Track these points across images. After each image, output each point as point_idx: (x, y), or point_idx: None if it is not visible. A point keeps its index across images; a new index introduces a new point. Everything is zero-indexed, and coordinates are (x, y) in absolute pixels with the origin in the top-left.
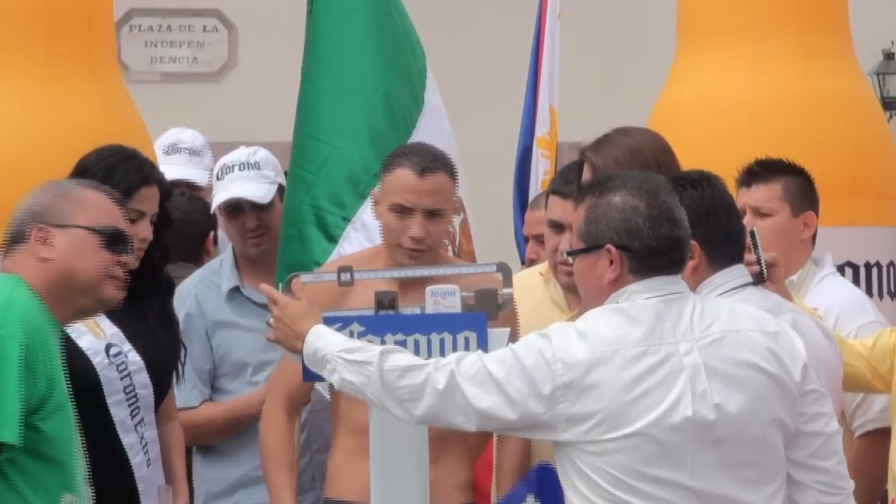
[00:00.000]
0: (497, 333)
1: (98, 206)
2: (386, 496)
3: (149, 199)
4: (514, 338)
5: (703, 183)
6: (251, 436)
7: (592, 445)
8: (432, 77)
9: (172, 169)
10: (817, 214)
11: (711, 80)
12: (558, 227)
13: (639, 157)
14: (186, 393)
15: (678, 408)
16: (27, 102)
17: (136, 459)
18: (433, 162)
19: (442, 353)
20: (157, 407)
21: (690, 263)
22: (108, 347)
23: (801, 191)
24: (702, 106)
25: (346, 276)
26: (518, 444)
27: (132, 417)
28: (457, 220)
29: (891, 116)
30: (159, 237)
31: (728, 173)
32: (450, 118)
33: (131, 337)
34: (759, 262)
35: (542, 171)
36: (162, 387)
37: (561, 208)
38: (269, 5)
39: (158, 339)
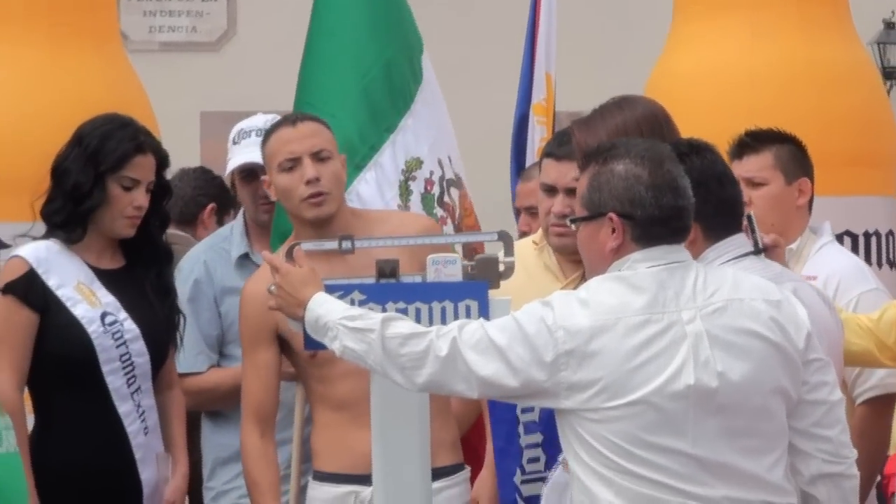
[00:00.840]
0: (498, 302)
1: None
2: (388, 463)
3: (144, 168)
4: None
5: (691, 155)
6: None
7: (594, 413)
8: (425, 50)
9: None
10: (812, 181)
11: (709, 48)
12: (552, 190)
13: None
14: (193, 358)
15: (680, 376)
16: (30, 73)
17: (132, 428)
18: (302, 115)
19: (443, 322)
20: (154, 375)
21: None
22: (103, 316)
23: (794, 158)
24: (699, 75)
25: (346, 244)
26: None
27: (128, 386)
28: (455, 194)
29: (891, 86)
30: (156, 206)
31: (726, 142)
32: (448, 91)
33: (128, 306)
34: (755, 244)
35: (538, 139)
36: (159, 355)
37: (555, 171)
38: None
39: (155, 308)
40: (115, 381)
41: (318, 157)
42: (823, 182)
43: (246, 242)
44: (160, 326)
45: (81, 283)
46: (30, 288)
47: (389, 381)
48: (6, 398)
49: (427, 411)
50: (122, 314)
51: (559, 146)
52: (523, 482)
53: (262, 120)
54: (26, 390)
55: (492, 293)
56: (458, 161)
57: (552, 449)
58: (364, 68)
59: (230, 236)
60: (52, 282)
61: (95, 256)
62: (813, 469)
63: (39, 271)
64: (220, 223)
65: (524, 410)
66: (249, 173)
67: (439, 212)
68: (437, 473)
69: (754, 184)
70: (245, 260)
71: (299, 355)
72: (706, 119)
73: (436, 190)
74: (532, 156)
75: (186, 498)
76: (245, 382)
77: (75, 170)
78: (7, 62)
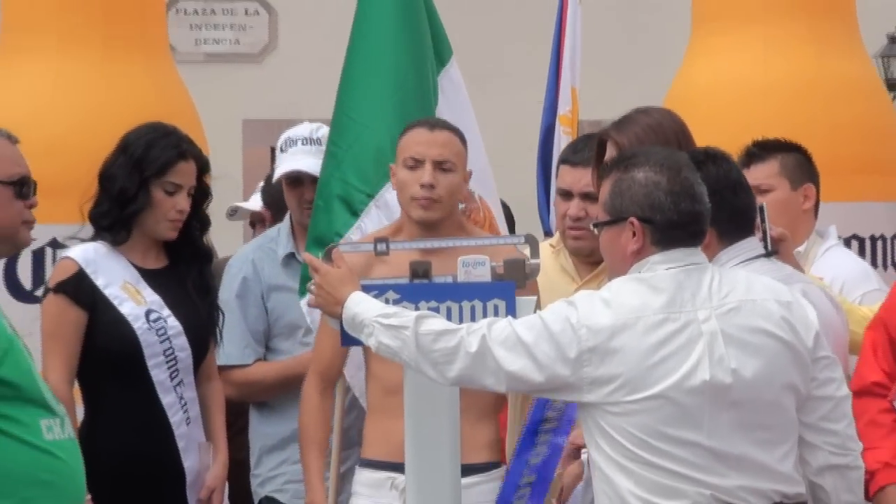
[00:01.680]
0: (525, 301)
1: (3, 155)
2: (419, 452)
3: (185, 173)
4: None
5: (707, 163)
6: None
7: (615, 406)
8: (454, 60)
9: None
10: (817, 187)
11: (725, 62)
12: (567, 194)
13: (659, 133)
14: (240, 352)
15: (696, 372)
16: (85, 83)
17: (175, 418)
18: (442, 123)
19: (472, 320)
20: (196, 369)
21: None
22: (147, 313)
23: (798, 165)
24: (716, 87)
25: (381, 247)
26: None
27: (171, 378)
28: (463, 206)
29: (894, 97)
30: (197, 209)
31: (741, 150)
32: (479, 97)
33: (171, 303)
34: (764, 237)
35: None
36: (200, 350)
37: (570, 176)
38: None
39: (197, 306)
40: (158, 374)
41: (441, 166)
42: (832, 188)
43: (292, 243)
44: (201, 323)
45: (127, 282)
46: (79, 287)
47: (422, 375)
48: (57, 390)
49: (457, 405)
50: (166, 311)
51: (574, 153)
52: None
53: (308, 129)
54: (76, 383)
55: (518, 293)
56: (479, 172)
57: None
58: (398, 82)
59: (277, 237)
60: (99, 281)
61: (140, 257)
62: (821, 460)
63: (88, 271)
64: None
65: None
66: (295, 179)
67: None
68: (474, 469)
69: (761, 190)
70: (291, 259)
71: None
72: (723, 127)
73: None
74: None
75: (226, 484)
76: (318, 342)
77: (121, 175)
78: (64, 73)
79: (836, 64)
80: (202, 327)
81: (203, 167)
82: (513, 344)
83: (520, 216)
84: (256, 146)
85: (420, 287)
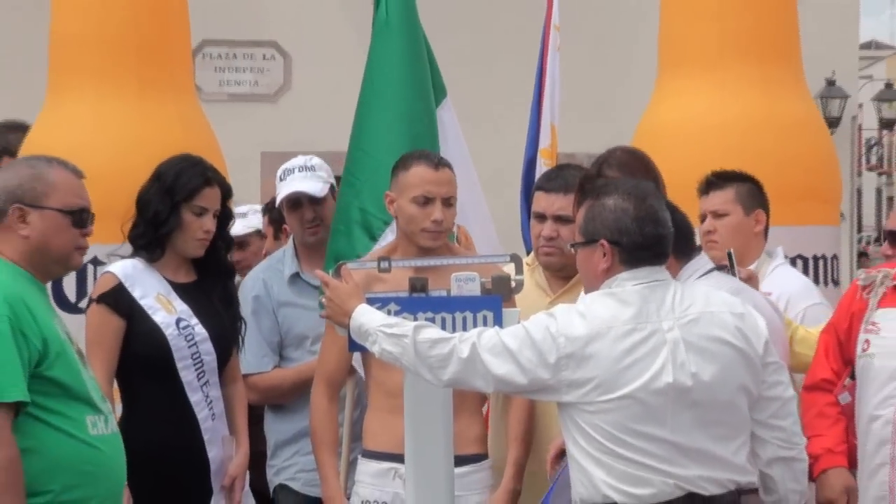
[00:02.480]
0: (510, 312)
1: (67, 187)
2: (417, 446)
3: (211, 198)
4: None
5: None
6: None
7: (590, 406)
8: (449, 101)
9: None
10: (767, 212)
11: (687, 102)
12: (541, 217)
13: (638, 162)
14: (259, 360)
15: (661, 375)
16: (121, 118)
17: (202, 414)
18: (442, 160)
19: (464, 329)
20: (221, 371)
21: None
22: (178, 321)
23: (751, 193)
24: (679, 124)
25: (384, 264)
26: (524, 408)
27: (198, 379)
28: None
29: (832, 133)
30: (221, 230)
31: (701, 181)
32: (470, 135)
33: (198, 312)
34: (734, 276)
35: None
36: (224, 354)
37: (544, 201)
38: (319, 39)
39: (221, 315)
40: (187, 375)
41: (448, 202)
42: (779, 214)
43: (296, 263)
44: (225, 330)
45: (160, 294)
46: (118, 298)
47: (420, 378)
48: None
49: (450, 403)
50: (194, 320)
51: (548, 181)
52: None
53: (302, 159)
54: (115, 383)
55: (504, 305)
56: (466, 201)
57: None
58: (410, 117)
59: (283, 258)
60: (136, 293)
61: (172, 272)
62: (770, 453)
63: (126, 284)
64: None
65: None
66: (295, 202)
67: None
68: (465, 460)
69: (718, 215)
70: (296, 278)
71: None
72: (685, 159)
73: None
74: None
75: (248, 473)
76: (323, 352)
77: (155, 201)
78: (103, 111)
79: (784, 104)
80: (226, 334)
81: (226, 193)
82: (499, 351)
83: (506, 238)
84: (273, 176)
85: (418, 300)
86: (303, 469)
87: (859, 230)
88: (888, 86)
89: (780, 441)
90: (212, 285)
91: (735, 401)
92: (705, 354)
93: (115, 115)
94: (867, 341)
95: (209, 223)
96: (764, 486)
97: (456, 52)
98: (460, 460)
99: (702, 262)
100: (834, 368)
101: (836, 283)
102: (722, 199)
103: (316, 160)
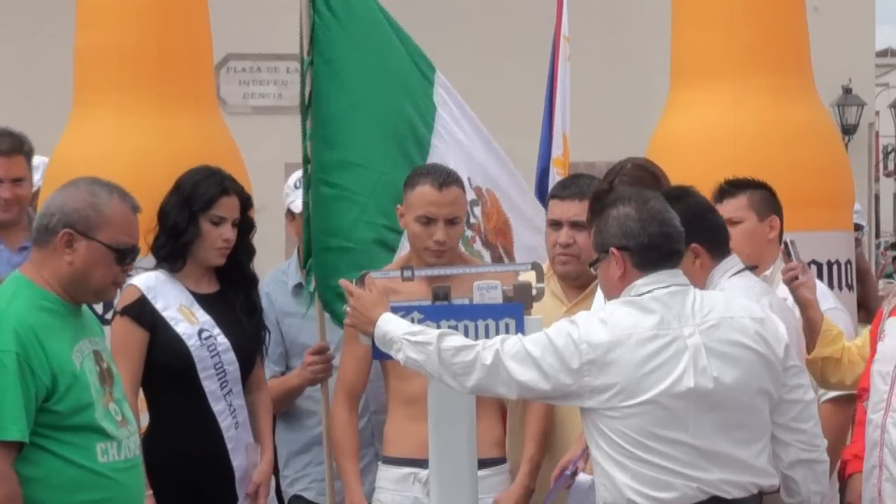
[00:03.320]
0: (531, 320)
1: (120, 223)
2: (441, 450)
3: (229, 207)
4: None
5: (684, 196)
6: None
7: (612, 411)
8: (438, 74)
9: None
10: (781, 218)
11: (699, 112)
12: (557, 224)
13: (647, 173)
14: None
15: (682, 380)
16: (145, 131)
17: (225, 423)
18: (448, 177)
19: (486, 337)
20: (244, 380)
21: (698, 262)
22: (200, 332)
23: (764, 200)
24: (692, 133)
25: (408, 273)
26: (542, 408)
27: (221, 388)
28: (478, 211)
29: (848, 140)
30: (243, 239)
31: (714, 187)
32: None
33: (220, 323)
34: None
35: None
36: (247, 363)
37: (559, 208)
38: None
39: (244, 325)
40: (210, 385)
41: (452, 222)
42: (793, 219)
43: (300, 273)
44: (247, 340)
45: (183, 305)
46: (141, 310)
47: (444, 384)
48: None
49: (474, 409)
50: (216, 330)
51: (562, 189)
52: None
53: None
54: (141, 393)
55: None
56: (481, 173)
57: None
58: (393, 128)
59: (287, 269)
60: (159, 305)
61: (195, 283)
62: (791, 456)
63: (149, 296)
64: None
65: None
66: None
67: (469, 232)
68: (485, 463)
69: (732, 222)
70: (299, 288)
71: None
72: (698, 167)
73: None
74: None
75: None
76: (343, 365)
77: (174, 212)
78: (126, 124)
79: (794, 111)
80: (248, 344)
81: (245, 202)
82: (522, 357)
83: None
84: None
85: (441, 308)
86: (316, 479)
87: (877, 235)
88: None
89: (802, 444)
90: (234, 295)
91: (756, 404)
92: (726, 359)
93: (138, 129)
94: (876, 349)
95: (228, 232)
96: (786, 489)
97: (463, 59)
98: (480, 463)
99: (733, 262)
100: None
101: (850, 287)
102: (736, 206)
103: None
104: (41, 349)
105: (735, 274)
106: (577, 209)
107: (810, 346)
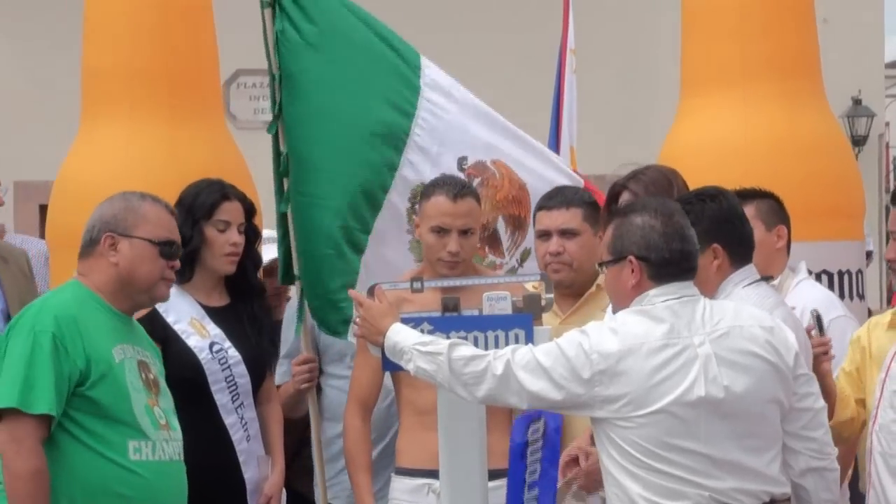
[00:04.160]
0: (541, 331)
1: (157, 220)
2: (452, 461)
3: (232, 211)
4: None
5: (719, 196)
6: None
7: (624, 421)
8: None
9: None
10: (788, 228)
11: (709, 121)
12: (545, 234)
13: (666, 184)
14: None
15: (693, 389)
16: (153, 146)
17: (236, 435)
18: (462, 189)
19: (496, 348)
20: (255, 392)
21: (715, 263)
22: (211, 345)
23: (772, 209)
24: (702, 142)
25: (417, 284)
26: None
27: (233, 401)
28: (477, 182)
29: (859, 151)
30: (249, 248)
31: None
32: None
33: (231, 336)
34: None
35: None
36: (258, 376)
37: (547, 219)
38: None
39: (252, 338)
40: (221, 398)
41: (465, 233)
42: (803, 230)
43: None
44: (256, 353)
45: (194, 318)
46: (153, 324)
47: (454, 394)
48: None
49: (484, 419)
50: (227, 343)
51: (548, 199)
52: None
53: None
54: None
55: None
56: (482, 147)
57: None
58: (354, 119)
59: None
60: (170, 318)
61: (205, 296)
62: (802, 464)
63: (160, 310)
64: None
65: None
66: None
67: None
68: (495, 474)
69: None
70: None
71: None
72: (708, 177)
73: None
74: None
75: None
76: (355, 375)
77: (178, 224)
78: (136, 136)
79: (805, 121)
80: (259, 356)
81: (250, 209)
82: (533, 368)
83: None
84: None
85: (451, 319)
86: (347, 486)
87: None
88: None
89: (813, 452)
90: (243, 309)
91: (767, 413)
92: (737, 367)
93: (146, 145)
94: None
95: (235, 236)
96: (797, 497)
97: (476, 76)
98: (490, 474)
99: (749, 272)
100: None
101: (861, 297)
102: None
103: None
104: (78, 333)
105: (749, 284)
106: (564, 217)
107: (830, 413)
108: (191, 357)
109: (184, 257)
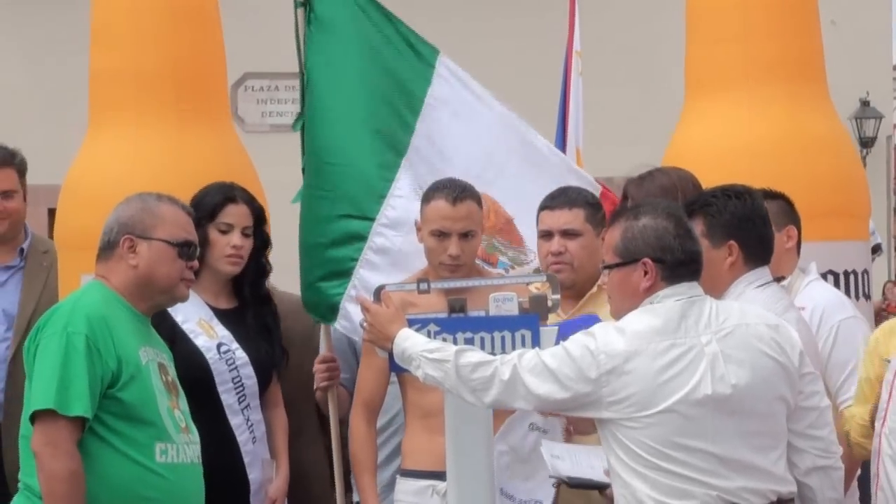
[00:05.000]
0: (547, 331)
1: (174, 220)
2: (459, 464)
3: (236, 215)
4: None
5: (745, 195)
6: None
7: (630, 421)
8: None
9: None
10: (798, 228)
11: (715, 122)
12: (547, 234)
13: (671, 194)
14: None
15: (700, 387)
16: (160, 149)
17: (242, 437)
18: (462, 192)
19: (503, 348)
20: (262, 395)
21: (728, 260)
22: (219, 346)
23: (781, 210)
24: (708, 144)
25: (423, 286)
26: None
27: (239, 402)
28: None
29: (867, 153)
30: (256, 255)
31: None
32: None
33: (239, 338)
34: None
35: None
36: (264, 379)
37: (549, 219)
38: None
39: (258, 341)
40: (228, 398)
41: (466, 236)
42: (808, 230)
43: None
44: (263, 356)
45: (202, 319)
46: (161, 323)
47: (462, 400)
48: None
49: (491, 423)
50: (235, 345)
51: (551, 199)
52: None
53: None
54: None
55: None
56: (472, 179)
57: None
58: (367, 111)
59: None
60: (178, 318)
61: (213, 297)
62: (808, 463)
63: (169, 310)
64: None
65: None
66: None
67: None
68: None
69: None
70: None
71: None
72: (715, 179)
73: None
74: None
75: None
76: (361, 378)
77: None
78: (143, 139)
79: (810, 122)
80: (265, 360)
81: (258, 214)
82: (540, 370)
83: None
84: None
85: (457, 320)
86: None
87: None
88: None
89: (818, 450)
90: (246, 313)
91: (773, 411)
92: (744, 365)
93: (154, 148)
94: None
95: (236, 239)
96: (802, 496)
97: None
98: None
99: (762, 273)
100: None
101: (867, 297)
102: None
103: None
104: (109, 335)
105: (760, 286)
106: (566, 217)
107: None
108: (198, 357)
109: None
